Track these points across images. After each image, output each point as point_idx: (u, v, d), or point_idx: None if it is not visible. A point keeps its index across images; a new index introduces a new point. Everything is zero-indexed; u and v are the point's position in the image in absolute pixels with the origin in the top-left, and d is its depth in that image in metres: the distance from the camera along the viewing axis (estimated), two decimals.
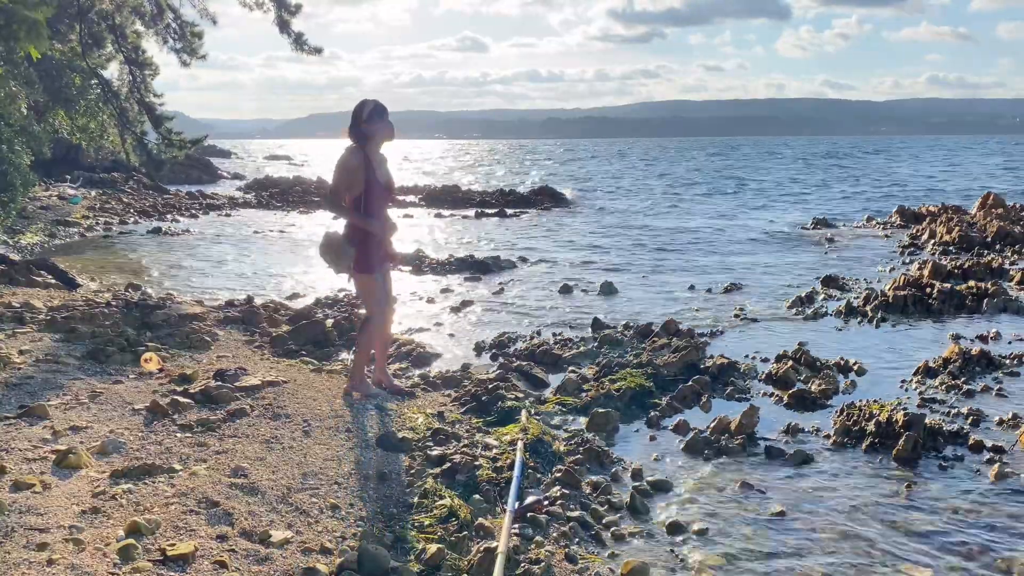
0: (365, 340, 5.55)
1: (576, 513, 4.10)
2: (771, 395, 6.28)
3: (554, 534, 3.85)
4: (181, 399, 4.98)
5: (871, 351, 7.59)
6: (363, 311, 5.91)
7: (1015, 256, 13.20)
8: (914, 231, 16.50)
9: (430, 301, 10.10)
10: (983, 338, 7.93)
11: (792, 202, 27.05)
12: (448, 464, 4.39)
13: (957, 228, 15.12)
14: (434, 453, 4.58)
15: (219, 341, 7.03)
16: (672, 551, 3.83)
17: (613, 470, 4.77)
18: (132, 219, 20.26)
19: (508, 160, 73.48)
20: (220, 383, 5.40)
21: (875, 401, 5.83)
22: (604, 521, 4.11)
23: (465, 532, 3.70)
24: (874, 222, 19.49)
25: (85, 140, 15.70)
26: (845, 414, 5.53)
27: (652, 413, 5.80)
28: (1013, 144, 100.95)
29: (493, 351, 7.50)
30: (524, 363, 6.84)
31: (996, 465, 4.75)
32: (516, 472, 4.20)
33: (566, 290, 10.93)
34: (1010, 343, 7.78)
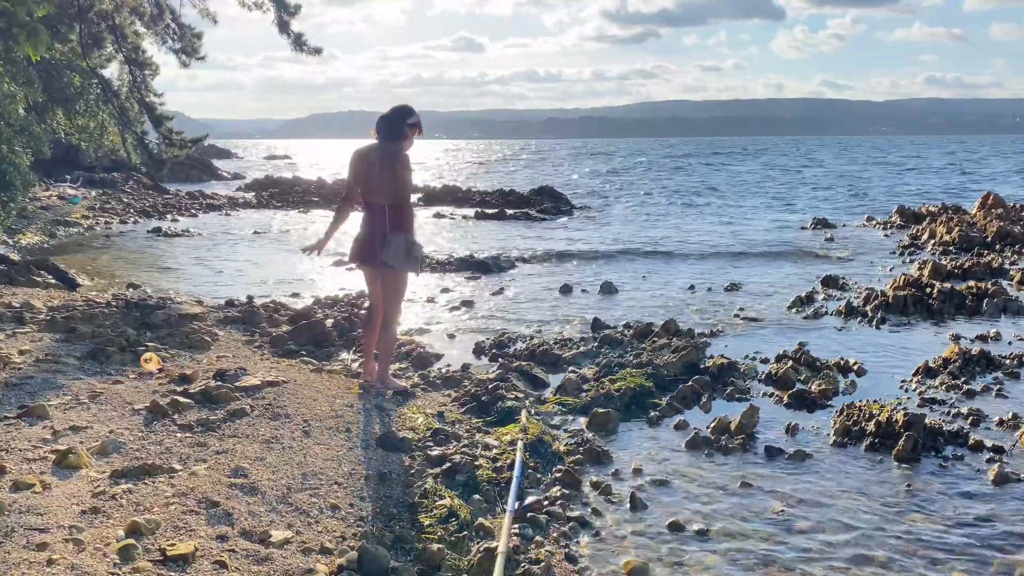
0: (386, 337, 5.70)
1: (576, 513, 4.11)
2: (771, 395, 6.28)
3: (554, 534, 3.85)
4: (181, 399, 4.98)
5: (871, 351, 7.60)
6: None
7: (1015, 256, 13.21)
8: (914, 231, 16.51)
9: (430, 301, 10.09)
10: (983, 338, 7.94)
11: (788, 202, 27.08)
12: (448, 464, 4.39)
13: (957, 228, 15.12)
14: (434, 453, 4.58)
15: (219, 341, 7.02)
16: (672, 551, 3.83)
17: (613, 470, 4.77)
18: (132, 219, 20.28)
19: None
20: (220, 383, 5.40)
21: (875, 401, 5.83)
22: (604, 521, 4.11)
23: (465, 532, 3.70)
24: (874, 222, 19.50)
25: (85, 140, 15.70)
26: (845, 414, 5.53)
27: (652, 413, 5.80)
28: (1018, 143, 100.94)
29: (493, 351, 7.49)
30: (524, 363, 6.84)
31: (996, 465, 4.76)
32: (516, 472, 4.21)
33: (566, 290, 10.93)
34: (1010, 343, 7.78)
